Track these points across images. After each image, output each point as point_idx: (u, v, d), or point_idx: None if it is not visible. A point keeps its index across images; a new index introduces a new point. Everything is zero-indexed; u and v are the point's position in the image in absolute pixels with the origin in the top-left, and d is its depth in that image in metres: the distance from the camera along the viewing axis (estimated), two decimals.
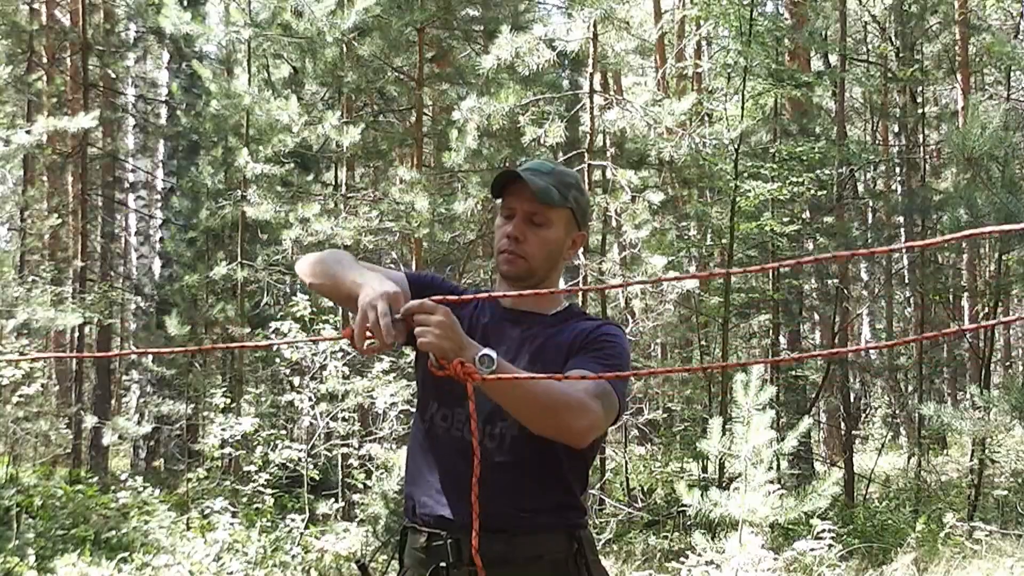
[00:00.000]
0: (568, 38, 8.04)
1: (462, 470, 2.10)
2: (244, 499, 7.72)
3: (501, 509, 2.04)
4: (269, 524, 7.37)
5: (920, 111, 15.61)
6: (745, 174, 10.70)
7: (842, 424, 13.61)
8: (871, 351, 17.93)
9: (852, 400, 15.45)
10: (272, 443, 7.78)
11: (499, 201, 2.26)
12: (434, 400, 2.21)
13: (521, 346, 2.16)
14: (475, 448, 1.91)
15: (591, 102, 7.99)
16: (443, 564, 2.10)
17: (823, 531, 6.86)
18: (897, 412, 15.66)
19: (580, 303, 8.20)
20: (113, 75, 15.12)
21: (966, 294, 16.35)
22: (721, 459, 8.11)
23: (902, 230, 16.14)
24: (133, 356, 14.52)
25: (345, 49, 9.91)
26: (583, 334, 2.16)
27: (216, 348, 2.23)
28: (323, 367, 7.96)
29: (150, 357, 12.99)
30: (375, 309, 1.88)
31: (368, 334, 1.89)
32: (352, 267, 2.12)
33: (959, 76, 15.36)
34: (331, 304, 11.80)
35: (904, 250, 14.89)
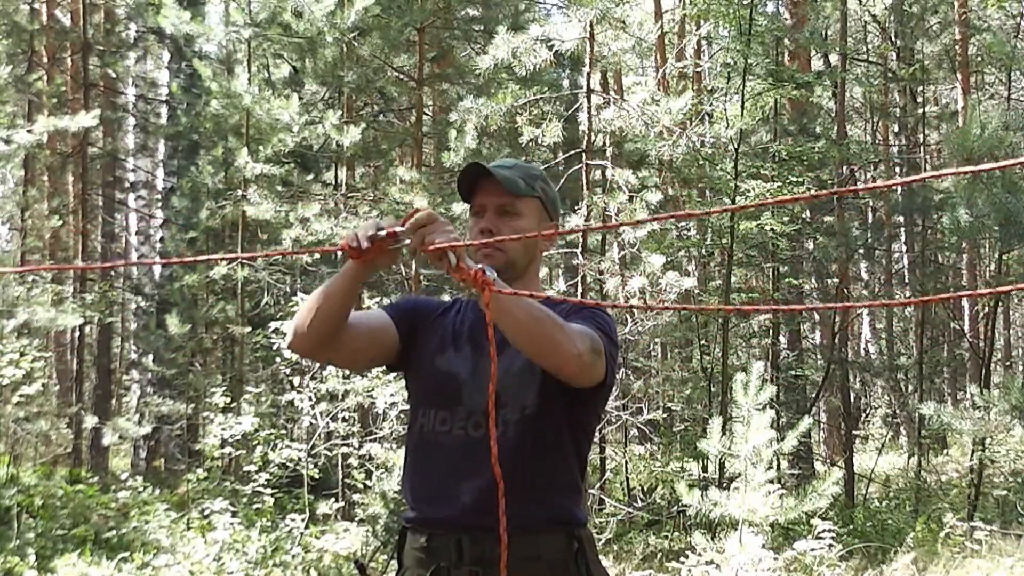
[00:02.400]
0: (565, 37, 8.03)
1: (463, 468, 2.10)
2: (244, 499, 7.72)
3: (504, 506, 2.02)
4: (269, 524, 7.37)
5: (920, 111, 15.60)
6: (745, 174, 10.69)
7: (842, 424, 13.60)
8: (871, 352, 17.93)
9: (852, 400, 15.44)
10: (272, 443, 7.77)
11: (468, 206, 2.27)
12: (430, 406, 2.19)
13: (505, 341, 2.15)
14: (492, 372, 1.88)
15: (588, 102, 7.99)
16: (444, 564, 2.08)
17: (823, 531, 6.86)
18: (897, 412, 15.66)
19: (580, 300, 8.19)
20: (113, 75, 15.13)
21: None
22: (721, 459, 8.10)
23: (902, 230, 16.14)
24: (133, 356, 14.53)
25: (345, 49, 9.91)
26: (565, 310, 2.18)
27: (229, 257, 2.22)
28: (323, 367, 7.96)
29: (151, 357, 13.01)
30: (368, 226, 1.94)
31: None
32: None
33: (959, 76, 15.35)
34: None
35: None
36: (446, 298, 2.37)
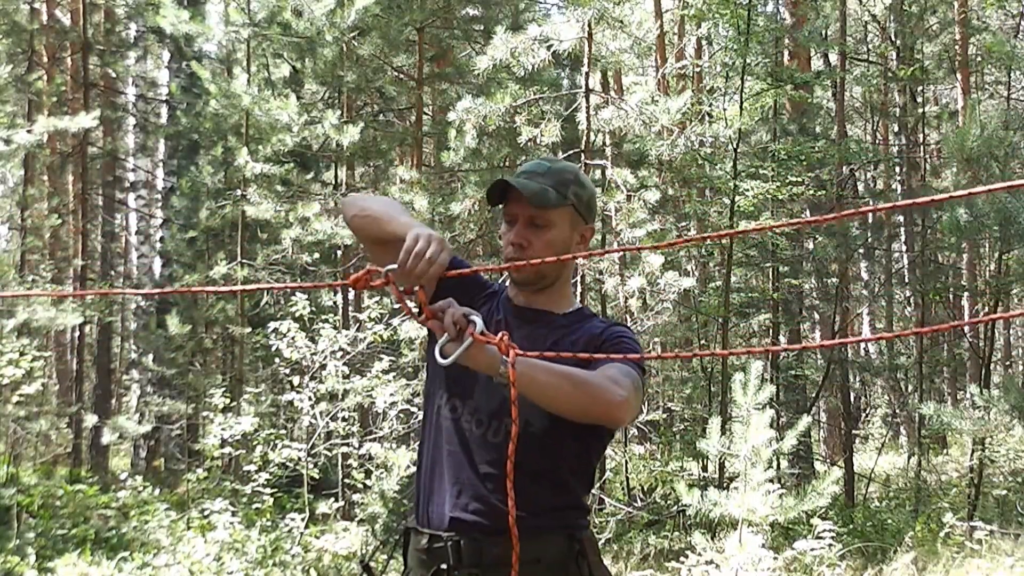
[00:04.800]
0: (563, 37, 8.01)
1: (468, 465, 2.09)
2: (244, 499, 7.72)
3: (501, 509, 2.00)
4: (269, 524, 7.37)
5: (920, 111, 15.61)
6: (744, 174, 10.70)
7: (842, 423, 13.61)
8: (871, 352, 17.93)
9: (852, 400, 15.44)
10: (272, 443, 7.77)
11: (501, 207, 2.22)
12: (444, 391, 2.17)
13: (535, 343, 2.12)
14: (514, 427, 1.81)
15: (587, 101, 7.98)
16: (444, 567, 2.07)
17: (823, 531, 6.86)
18: (897, 412, 15.66)
19: (579, 302, 8.18)
20: (113, 75, 15.13)
21: (966, 294, 16.35)
22: (721, 459, 8.11)
23: (902, 229, 16.15)
24: (133, 355, 14.53)
25: (344, 48, 9.91)
26: (597, 335, 2.15)
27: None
28: (323, 367, 7.96)
29: (151, 357, 13.01)
30: (437, 244, 1.88)
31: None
32: (405, 214, 2.13)
33: (959, 76, 15.35)
34: (331, 303, 11.81)
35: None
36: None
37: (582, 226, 2.22)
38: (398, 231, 1.99)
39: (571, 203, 2.16)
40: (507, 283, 2.30)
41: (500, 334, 1.80)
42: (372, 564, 6.77)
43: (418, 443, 2.28)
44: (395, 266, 1.86)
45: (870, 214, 17.62)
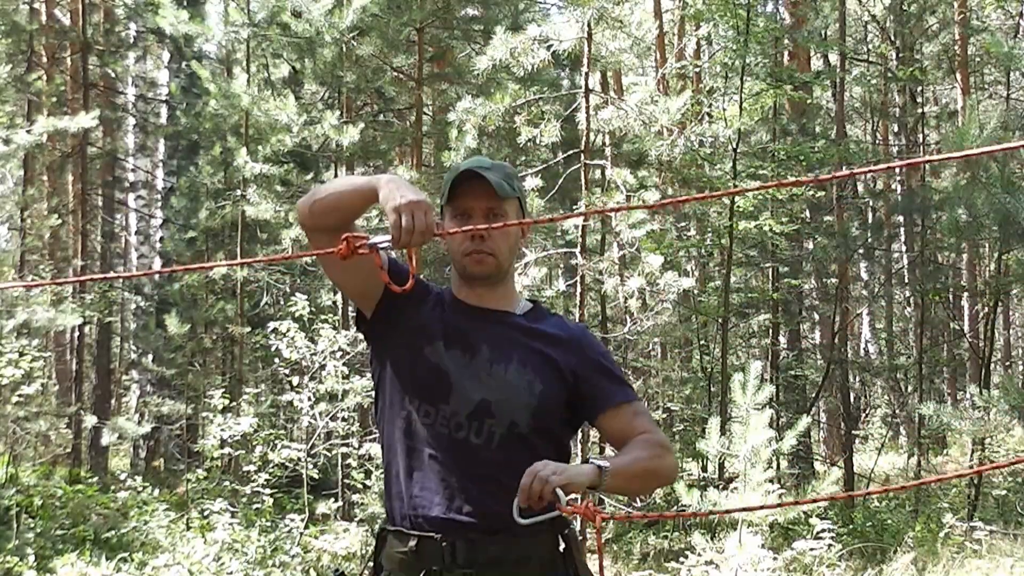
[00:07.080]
0: (563, 37, 8.00)
1: (454, 468, 2.09)
2: (244, 499, 7.72)
3: (496, 510, 2.01)
4: (269, 524, 7.36)
5: (920, 111, 15.61)
6: (744, 174, 10.70)
7: (842, 424, 13.60)
8: (871, 352, 17.92)
9: (852, 400, 15.44)
10: (271, 443, 7.77)
11: (442, 204, 2.23)
12: (413, 397, 2.15)
13: (498, 346, 2.15)
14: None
15: (587, 101, 7.97)
16: (436, 568, 2.06)
17: (822, 531, 6.86)
18: (897, 412, 15.66)
19: (579, 302, 8.18)
20: (113, 75, 15.13)
21: (966, 294, 16.35)
22: (720, 459, 8.11)
23: (902, 229, 16.14)
24: (133, 356, 14.53)
25: (344, 49, 9.91)
26: (577, 350, 2.19)
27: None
28: (323, 367, 7.95)
29: (150, 357, 13.00)
30: (421, 213, 1.91)
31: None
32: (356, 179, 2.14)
33: (958, 76, 15.35)
34: (330, 303, 11.81)
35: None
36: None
37: (523, 218, 2.25)
38: (366, 193, 2.03)
39: (518, 196, 2.22)
40: (453, 283, 2.27)
41: (585, 503, 1.91)
42: (371, 564, 6.78)
43: (383, 446, 2.24)
44: (386, 240, 1.92)
45: (870, 215, 17.66)
